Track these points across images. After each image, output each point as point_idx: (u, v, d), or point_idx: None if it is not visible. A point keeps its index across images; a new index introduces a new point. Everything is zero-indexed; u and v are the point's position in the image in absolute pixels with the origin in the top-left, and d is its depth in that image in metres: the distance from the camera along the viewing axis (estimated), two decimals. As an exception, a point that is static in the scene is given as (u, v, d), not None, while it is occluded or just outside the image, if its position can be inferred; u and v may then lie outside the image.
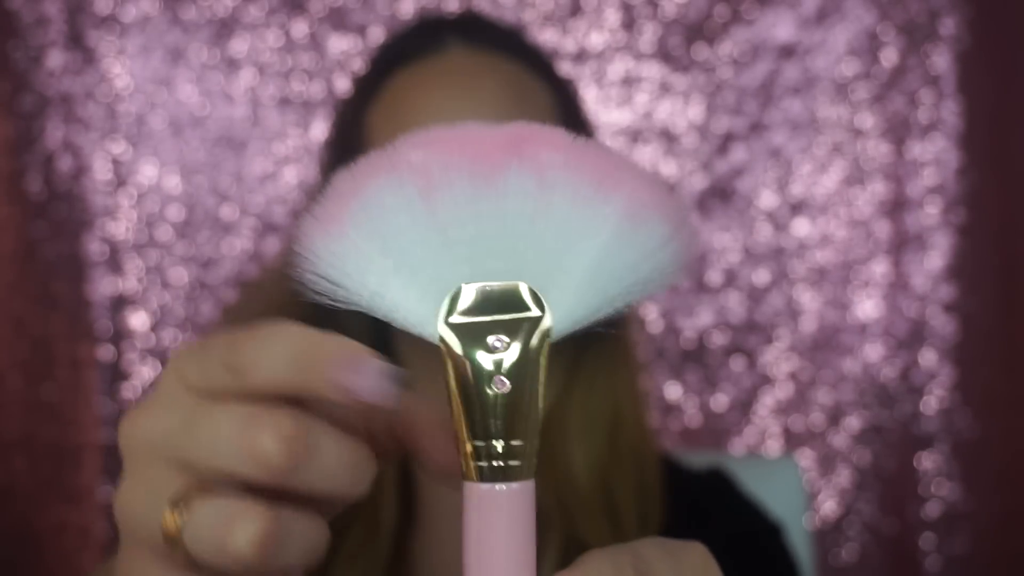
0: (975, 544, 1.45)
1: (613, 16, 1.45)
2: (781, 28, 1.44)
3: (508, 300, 0.31)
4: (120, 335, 1.44)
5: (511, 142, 0.33)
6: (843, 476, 1.46)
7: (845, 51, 1.44)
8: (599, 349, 0.80)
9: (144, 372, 1.44)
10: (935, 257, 1.45)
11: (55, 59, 1.43)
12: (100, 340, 1.44)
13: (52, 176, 1.44)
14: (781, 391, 1.46)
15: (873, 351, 1.45)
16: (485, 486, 0.31)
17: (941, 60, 1.44)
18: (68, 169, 1.44)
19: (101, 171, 1.43)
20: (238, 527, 0.29)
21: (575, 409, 0.78)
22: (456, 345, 0.31)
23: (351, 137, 0.80)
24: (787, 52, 1.44)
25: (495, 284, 0.31)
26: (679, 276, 0.34)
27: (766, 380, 1.46)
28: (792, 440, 1.46)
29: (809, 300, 1.45)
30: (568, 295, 0.32)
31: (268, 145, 1.44)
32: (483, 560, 0.31)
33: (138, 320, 1.44)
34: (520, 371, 0.31)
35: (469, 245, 0.31)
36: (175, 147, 1.43)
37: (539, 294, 0.31)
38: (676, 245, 0.33)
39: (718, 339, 1.46)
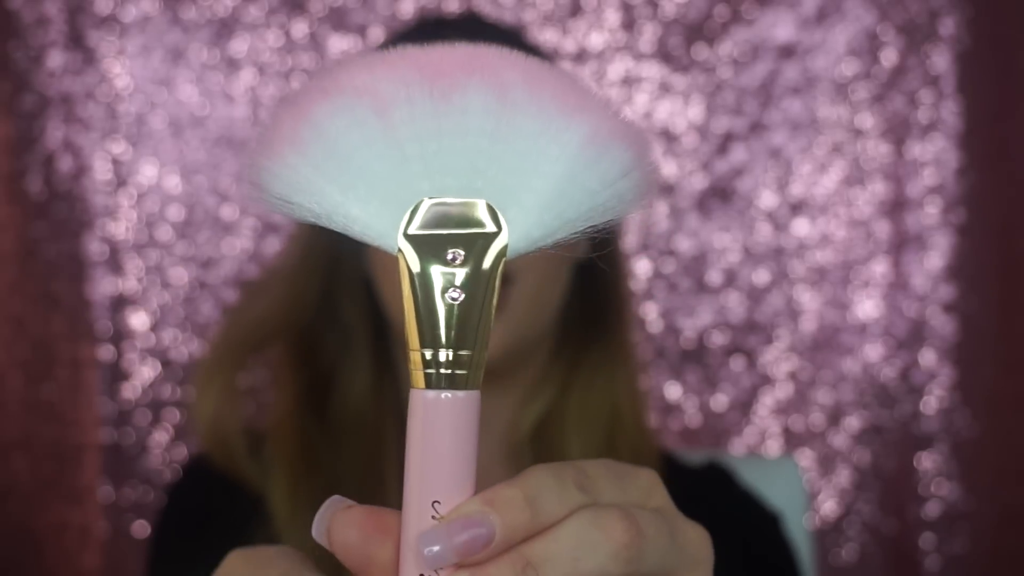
0: (975, 544, 1.45)
1: (613, 16, 1.45)
2: (781, 28, 1.44)
3: (467, 216, 0.32)
4: (120, 335, 1.44)
5: (469, 62, 0.33)
6: (843, 476, 1.46)
7: (845, 51, 1.44)
8: (599, 349, 0.80)
9: (144, 372, 1.44)
10: (935, 257, 1.45)
11: (55, 59, 1.43)
12: (100, 340, 1.44)
13: (52, 176, 1.44)
14: (781, 391, 1.46)
15: (873, 351, 1.45)
16: (431, 393, 0.32)
17: (941, 60, 1.44)
18: (68, 169, 1.44)
19: (101, 171, 1.43)
20: None
21: (574, 408, 0.78)
22: (413, 255, 0.32)
23: None
24: (787, 52, 1.44)
25: (455, 200, 0.32)
26: (638, 206, 0.34)
27: (766, 380, 1.46)
28: (792, 440, 1.46)
29: (809, 300, 1.45)
30: (526, 215, 0.32)
31: (268, 145, 1.44)
32: (425, 466, 0.32)
33: (138, 320, 1.44)
34: (474, 284, 0.32)
35: (428, 161, 0.32)
36: (175, 147, 1.43)
37: (498, 212, 0.32)
38: (637, 175, 0.33)
39: (718, 339, 1.46)
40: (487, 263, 0.32)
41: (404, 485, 0.33)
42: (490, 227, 0.32)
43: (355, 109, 0.32)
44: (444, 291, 0.32)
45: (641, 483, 0.35)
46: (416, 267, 0.32)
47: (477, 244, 0.32)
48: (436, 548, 0.31)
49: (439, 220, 0.32)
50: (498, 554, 0.31)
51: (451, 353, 0.32)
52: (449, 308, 0.32)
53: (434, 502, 0.32)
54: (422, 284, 0.32)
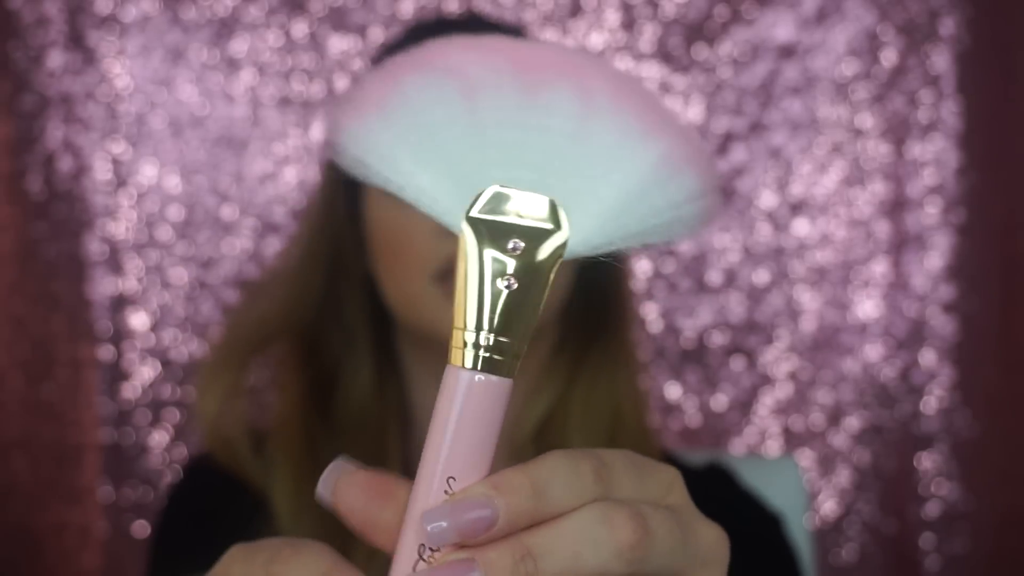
0: (975, 544, 1.45)
1: (613, 16, 1.45)
2: (781, 28, 1.44)
3: (532, 210, 0.33)
4: (120, 335, 1.44)
5: (562, 62, 0.34)
6: (843, 476, 1.46)
7: (845, 51, 1.44)
8: (600, 348, 0.80)
9: (144, 372, 1.44)
10: (935, 257, 1.45)
11: (55, 59, 1.43)
12: (100, 340, 1.44)
13: (52, 176, 1.44)
14: (781, 391, 1.46)
15: (873, 351, 1.45)
16: (465, 373, 0.33)
17: (941, 60, 1.44)
18: (68, 169, 1.44)
19: (101, 171, 1.43)
20: None
21: (576, 408, 0.78)
22: (477, 238, 0.33)
23: None
24: (787, 52, 1.44)
25: (524, 192, 0.33)
26: (697, 231, 0.35)
27: (766, 380, 1.46)
28: (792, 440, 1.46)
29: (809, 300, 1.45)
30: (589, 220, 0.33)
31: (268, 145, 1.44)
32: (446, 443, 0.33)
33: (138, 320, 1.44)
34: (527, 276, 0.33)
35: (505, 150, 0.33)
36: (175, 147, 1.43)
37: (562, 211, 0.33)
38: (702, 202, 0.34)
39: (718, 339, 1.46)
40: (544, 258, 0.33)
41: (422, 457, 0.33)
42: (553, 224, 0.33)
43: (445, 87, 0.33)
44: (498, 277, 0.33)
45: (660, 479, 0.35)
46: (476, 249, 0.33)
47: (537, 238, 0.33)
48: (441, 524, 0.31)
49: (504, 209, 0.33)
50: (501, 538, 0.31)
51: (493, 338, 0.33)
52: (500, 294, 0.33)
53: (449, 478, 0.33)
54: (478, 267, 0.33)
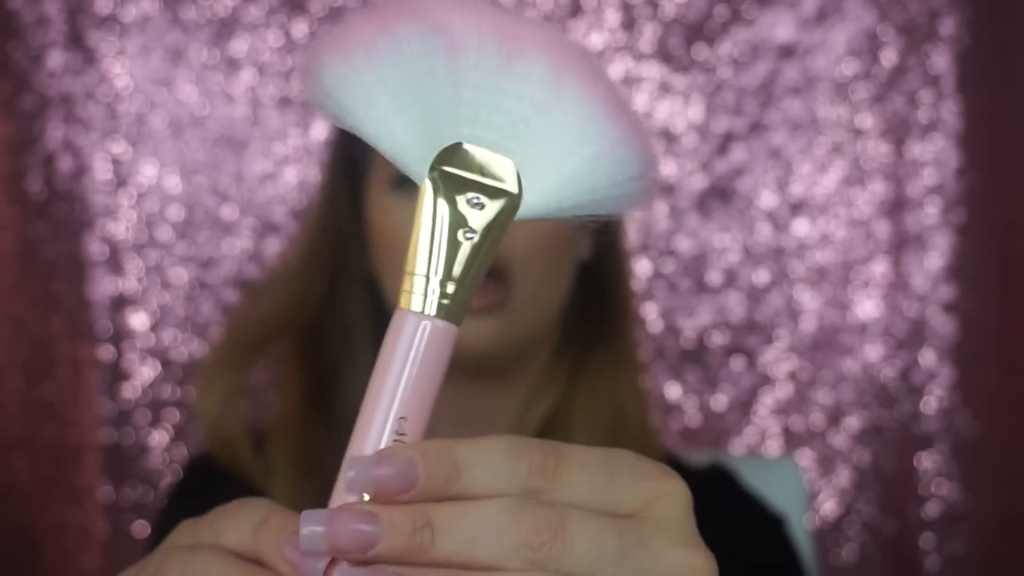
0: (975, 544, 1.45)
1: (613, 16, 1.45)
2: (781, 28, 1.44)
3: (494, 170, 0.35)
4: (120, 335, 1.44)
5: (544, 38, 0.36)
6: (843, 476, 1.46)
7: (845, 51, 1.44)
8: (602, 349, 0.80)
9: (144, 372, 1.44)
10: (935, 257, 1.45)
11: (55, 59, 1.43)
12: (100, 340, 1.44)
13: (52, 176, 1.44)
14: (781, 391, 1.46)
15: (873, 351, 1.45)
16: (412, 315, 0.34)
17: (941, 60, 1.44)
18: (68, 169, 1.44)
19: (101, 171, 1.43)
20: None
21: (579, 409, 0.78)
22: (438, 189, 0.35)
23: (352, 137, 0.80)
24: (787, 52, 1.44)
25: (490, 152, 0.35)
26: (641, 208, 0.37)
27: (766, 380, 1.46)
28: (792, 440, 1.46)
29: (809, 300, 1.45)
30: (543, 187, 0.35)
31: (268, 145, 1.44)
32: (390, 381, 0.34)
33: (138, 320, 1.44)
34: (482, 230, 0.35)
35: (477, 110, 0.34)
36: (175, 147, 1.43)
37: (521, 175, 0.35)
38: (645, 185, 0.36)
39: (718, 339, 1.46)
40: (499, 216, 0.35)
41: (365, 398, 0.34)
42: (511, 186, 0.35)
43: (430, 40, 0.34)
44: (454, 228, 0.35)
45: (642, 487, 0.33)
46: (435, 199, 0.35)
47: (495, 196, 0.35)
48: (364, 472, 0.32)
49: (468, 165, 0.35)
50: (412, 502, 0.32)
51: (445, 285, 0.35)
52: (455, 244, 0.35)
53: (400, 418, 0.34)
54: (436, 216, 0.35)
